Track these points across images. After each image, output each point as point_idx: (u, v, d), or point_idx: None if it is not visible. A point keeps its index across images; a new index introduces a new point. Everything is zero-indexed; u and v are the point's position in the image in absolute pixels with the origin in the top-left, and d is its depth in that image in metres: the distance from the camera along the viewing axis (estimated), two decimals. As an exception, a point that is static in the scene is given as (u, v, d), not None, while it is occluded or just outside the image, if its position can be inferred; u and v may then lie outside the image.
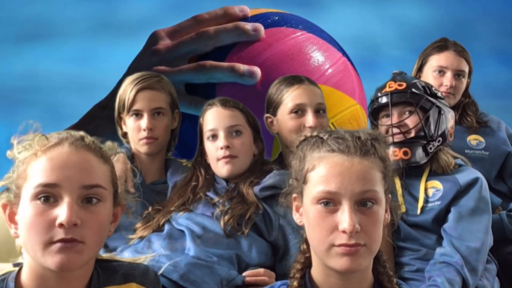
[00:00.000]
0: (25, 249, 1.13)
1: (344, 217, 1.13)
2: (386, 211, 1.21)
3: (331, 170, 1.16)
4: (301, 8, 2.76)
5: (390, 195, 1.23)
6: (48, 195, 1.10)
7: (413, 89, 1.98)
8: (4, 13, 3.99)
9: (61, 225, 1.08)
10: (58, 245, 1.08)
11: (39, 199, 1.10)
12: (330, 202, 1.15)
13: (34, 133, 1.17)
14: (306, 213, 1.20)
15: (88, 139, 1.18)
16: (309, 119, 1.95)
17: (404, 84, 2.00)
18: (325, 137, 1.21)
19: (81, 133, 1.19)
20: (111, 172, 1.20)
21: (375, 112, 2.04)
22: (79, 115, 2.38)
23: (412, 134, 1.96)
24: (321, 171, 1.17)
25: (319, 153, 1.19)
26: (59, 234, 1.08)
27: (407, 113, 1.97)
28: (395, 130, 1.95)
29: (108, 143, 1.23)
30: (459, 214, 1.88)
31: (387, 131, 1.97)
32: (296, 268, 1.25)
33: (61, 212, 1.09)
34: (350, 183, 1.14)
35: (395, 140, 1.95)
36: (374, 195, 1.16)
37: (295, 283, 1.23)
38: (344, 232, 1.13)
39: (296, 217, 1.26)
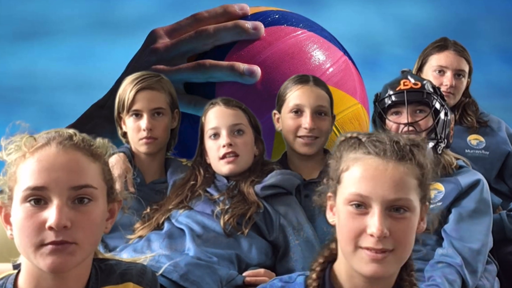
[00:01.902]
0: (19, 250, 1.12)
1: (373, 222, 1.13)
2: (422, 220, 1.21)
3: (365, 173, 1.16)
4: (301, 6, 2.74)
5: (428, 203, 1.22)
6: (38, 197, 1.09)
7: (427, 90, 1.99)
8: (0, 11, 3.97)
9: (50, 228, 1.07)
10: (49, 247, 1.08)
11: (29, 201, 1.09)
12: (361, 204, 1.15)
13: (22, 134, 1.16)
14: (338, 213, 1.20)
15: (77, 137, 1.16)
16: (305, 120, 1.95)
17: (419, 84, 2.00)
18: (363, 139, 1.20)
19: (70, 131, 1.17)
20: (103, 170, 1.18)
21: (383, 108, 2.03)
22: (76, 115, 2.36)
23: (424, 135, 1.96)
24: (354, 173, 1.17)
25: (355, 155, 1.19)
26: (50, 236, 1.08)
27: (417, 111, 1.98)
28: (410, 129, 1.95)
29: (99, 140, 1.21)
30: (459, 215, 1.88)
31: (397, 129, 1.97)
32: (318, 261, 1.25)
33: (50, 215, 1.08)
34: (382, 188, 1.14)
35: None
36: (407, 203, 1.15)
37: (314, 276, 1.23)
38: (372, 235, 1.13)
39: (329, 216, 1.26)
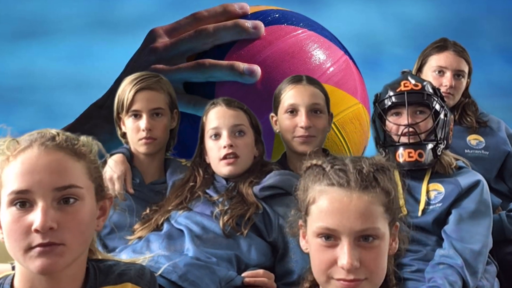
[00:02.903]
0: (10, 254, 1.12)
1: (343, 254, 1.14)
2: (394, 240, 1.22)
3: (330, 206, 1.16)
4: (302, 6, 2.74)
5: (398, 223, 1.23)
6: (23, 200, 1.09)
7: (428, 91, 1.99)
8: (-2, 11, 3.97)
9: (36, 230, 1.07)
10: (37, 249, 1.07)
11: (15, 205, 1.09)
12: (330, 236, 1.16)
13: (5, 138, 1.15)
14: (309, 244, 1.22)
15: (60, 137, 1.15)
16: (301, 119, 1.95)
17: (420, 85, 2.01)
18: (327, 169, 1.20)
19: (53, 131, 1.17)
20: (88, 168, 1.17)
21: (383, 109, 2.02)
22: (75, 115, 2.36)
23: (424, 136, 1.96)
24: (320, 206, 1.18)
25: (320, 186, 1.19)
26: (37, 239, 1.07)
27: (418, 113, 1.98)
28: (411, 130, 1.95)
29: (83, 138, 1.20)
30: (460, 216, 1.88)
31: (397, 130, 1.97)
32: (304, 286, 1.27)
33: (36, 218, 1.07)
34: (348, 221, 1.14)
35: (411, 140, 1.95)
36: (375, 232, 1.16)
37: None
38: (342, 268, 1.14)
39: (302, 244, 1.26)
